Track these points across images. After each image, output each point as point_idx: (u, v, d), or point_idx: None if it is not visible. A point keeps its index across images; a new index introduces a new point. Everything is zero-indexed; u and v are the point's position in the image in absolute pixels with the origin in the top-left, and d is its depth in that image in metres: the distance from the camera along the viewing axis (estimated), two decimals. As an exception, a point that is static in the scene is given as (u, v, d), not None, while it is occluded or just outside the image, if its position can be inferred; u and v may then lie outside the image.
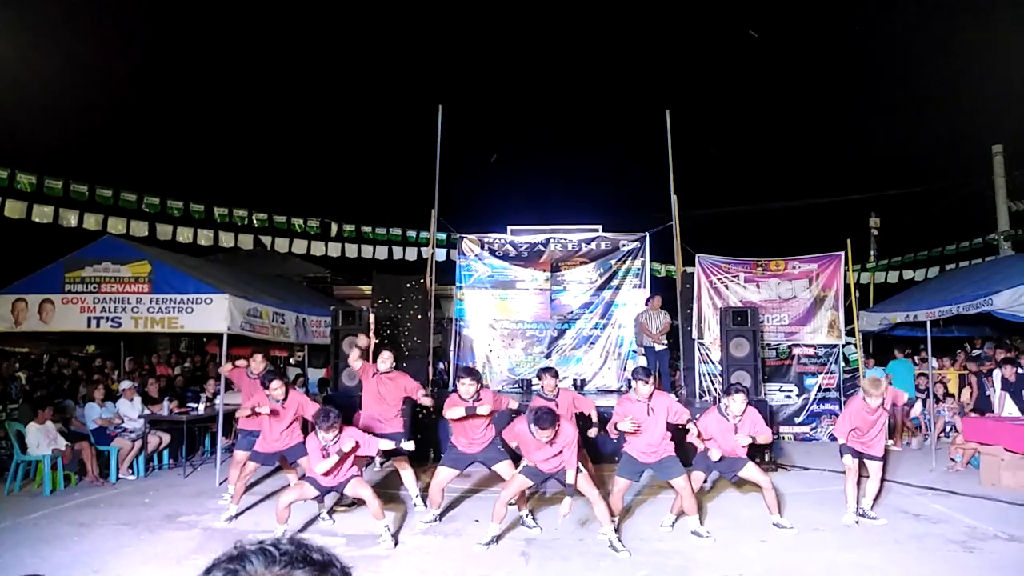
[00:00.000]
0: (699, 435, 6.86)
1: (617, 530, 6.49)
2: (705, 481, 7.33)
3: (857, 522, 7.05)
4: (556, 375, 7.71)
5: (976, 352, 13.43)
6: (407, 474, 7.80)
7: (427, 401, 8.31)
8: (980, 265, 14.34)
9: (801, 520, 7.06)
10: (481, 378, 7.43)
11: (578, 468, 6.27)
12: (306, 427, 7.36)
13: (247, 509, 7.52)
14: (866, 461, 7.40)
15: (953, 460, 9.75)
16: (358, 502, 6.99)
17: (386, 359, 7.98)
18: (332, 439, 6.29)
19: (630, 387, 7.25)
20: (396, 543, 6.41)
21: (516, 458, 6.99)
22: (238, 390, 9.07)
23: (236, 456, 7.84)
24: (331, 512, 7.41)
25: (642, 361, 11.84)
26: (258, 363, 8.73)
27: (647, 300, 12.59)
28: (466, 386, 6.90)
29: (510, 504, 6.63)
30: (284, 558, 1.04)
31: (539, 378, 7.76)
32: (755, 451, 7.74)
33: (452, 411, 6.82)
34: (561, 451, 6.26)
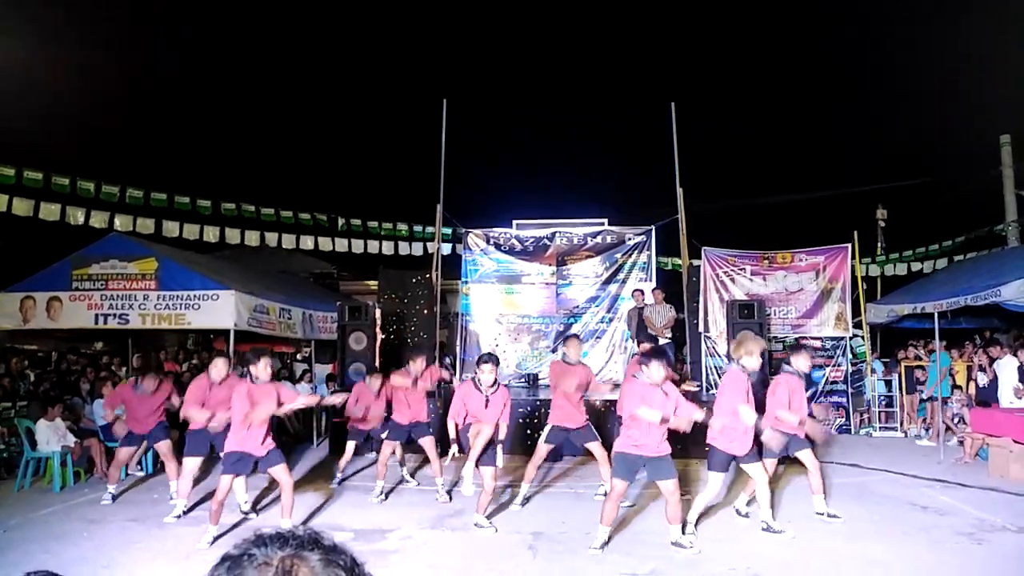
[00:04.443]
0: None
1: (609, 539, 6.13)
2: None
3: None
4: (581, 340, 8.08)
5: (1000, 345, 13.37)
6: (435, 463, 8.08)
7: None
8: (988, 256, 14.28)
9: (808, 512, 7.05)
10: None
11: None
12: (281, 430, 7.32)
13: (262, 509, 7.55)
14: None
15: (960, 444, 9.84)
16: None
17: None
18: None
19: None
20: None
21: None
22: None
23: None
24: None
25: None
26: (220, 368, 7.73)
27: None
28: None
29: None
30: (295, 541, 1.10)
31: (564, 344, 7.95)
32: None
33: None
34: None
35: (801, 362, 6.98)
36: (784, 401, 6.68)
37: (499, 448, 6.86)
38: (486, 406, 6.70)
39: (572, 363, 7.59)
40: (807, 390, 12.23)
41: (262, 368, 6.45)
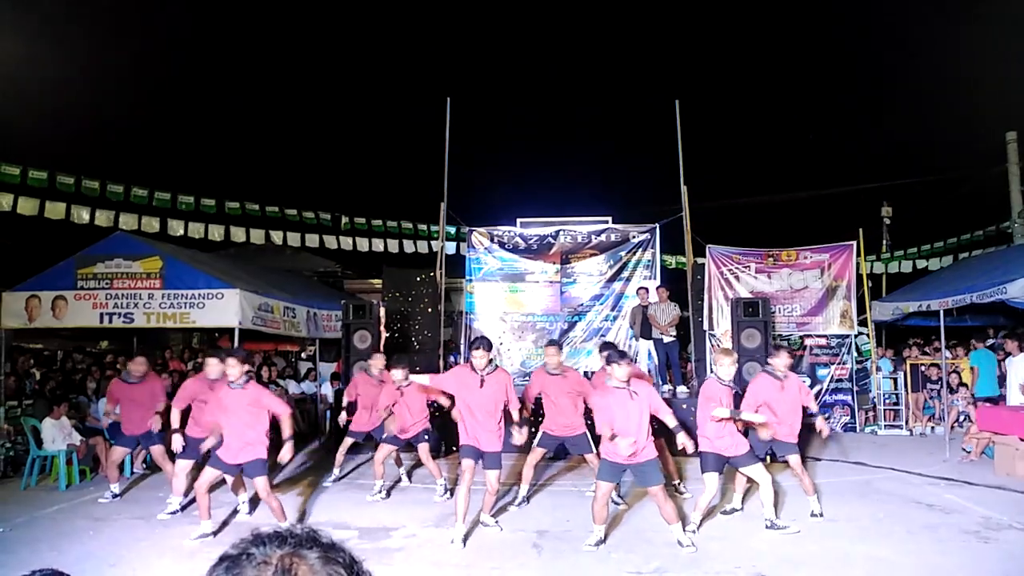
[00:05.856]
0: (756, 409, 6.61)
1: (605, 537, 6.19)
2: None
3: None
4: (560, 348, 8.01)
5: (990, 342, 13.32)
6: (431, 464, 8.06)
7: None
8: (994, 253, 14.21)
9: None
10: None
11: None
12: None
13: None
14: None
15: (965, 450, 9.71)
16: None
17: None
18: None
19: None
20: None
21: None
22: None
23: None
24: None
25: (645, 350, 11.89)
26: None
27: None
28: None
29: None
30: (293, 540, 1.10)
31: (546, 352, 7.87)
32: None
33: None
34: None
35: (779, 362, 7.00)
36: (752, 403, 6.74)
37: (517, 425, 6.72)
38: (481, 385, 6.36)
39: (554, 372, 7.48)
40: (812, 387, 12.26)
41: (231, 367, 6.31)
